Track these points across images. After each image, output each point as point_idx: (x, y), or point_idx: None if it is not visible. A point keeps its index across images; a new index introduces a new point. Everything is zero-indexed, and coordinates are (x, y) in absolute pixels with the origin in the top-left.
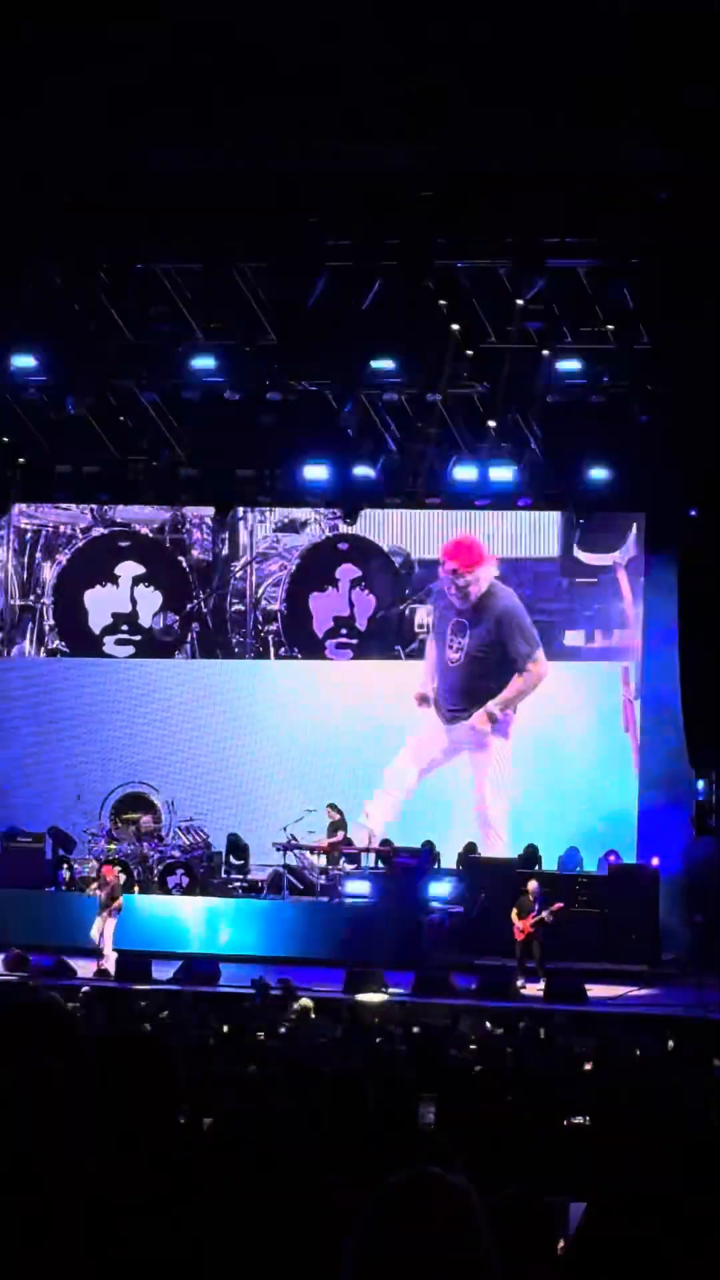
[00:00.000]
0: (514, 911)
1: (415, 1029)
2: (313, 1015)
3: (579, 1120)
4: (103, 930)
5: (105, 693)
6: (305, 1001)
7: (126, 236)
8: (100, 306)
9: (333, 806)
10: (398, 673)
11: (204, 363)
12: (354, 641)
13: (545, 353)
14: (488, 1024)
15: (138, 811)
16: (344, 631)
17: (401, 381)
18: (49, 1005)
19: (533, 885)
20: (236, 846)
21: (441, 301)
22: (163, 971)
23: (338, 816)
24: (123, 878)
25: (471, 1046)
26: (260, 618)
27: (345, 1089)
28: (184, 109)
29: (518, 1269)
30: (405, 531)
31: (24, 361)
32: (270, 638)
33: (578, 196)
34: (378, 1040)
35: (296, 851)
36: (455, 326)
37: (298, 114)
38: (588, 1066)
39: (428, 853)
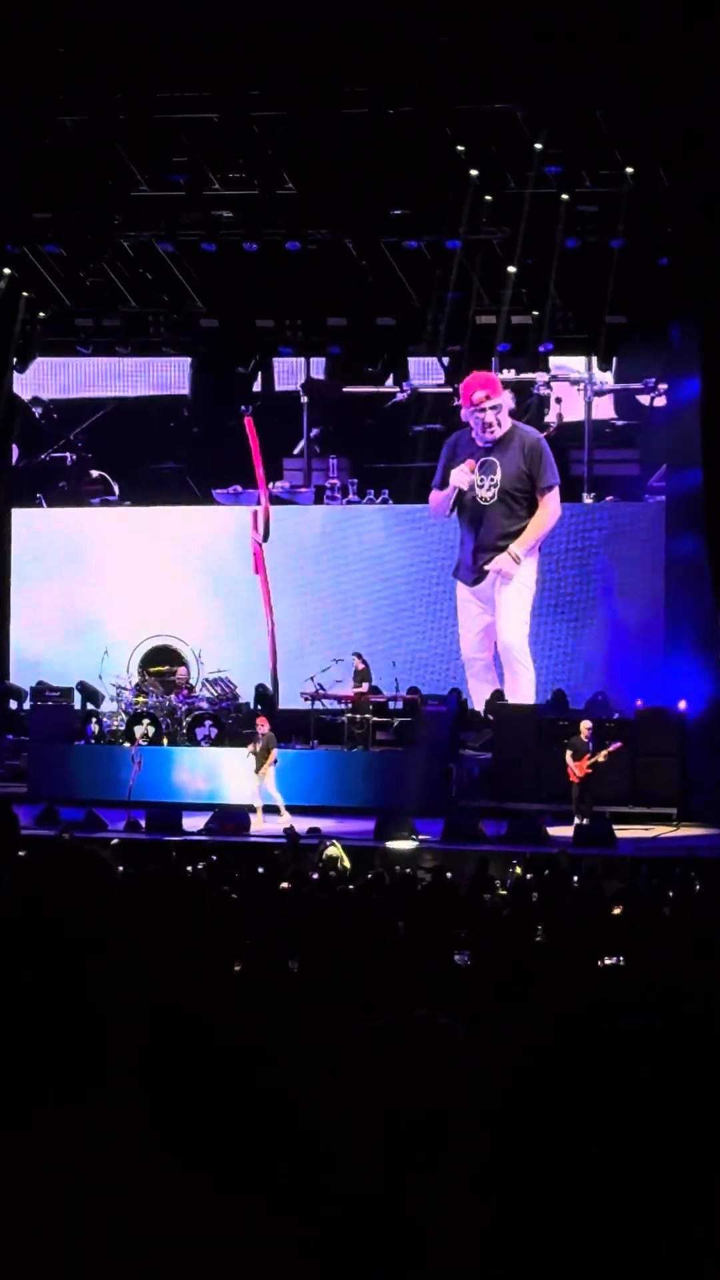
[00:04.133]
0: (568, 754)
1: (445, 875)
2: (343, 863)
3: (611, 961)
4: (263, 786)
5: (118, 546)
6: (335, 849)
7: (143, 87)
8: (118, 158)
9: (358, 655)
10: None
11: (222, 213)
12: None
13: (564, 197)
14: (517, 868)
15: (166, 664)
16: None
17: (420, 229)
18: (88, 854)
19: (585, 726)
20: (264, 697)
21: (460, 147)
22: (193, 823)
23: (363, 666)
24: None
25: (501, 891)
26: None
27: (375, 930)
28: None
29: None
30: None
31: (42, 215)
32: None
33: (590, 36)
34: (407, 886)
35: (323, 701)
36: (474, 172)
37: None
38: (617, 911)
39: (455, 700)
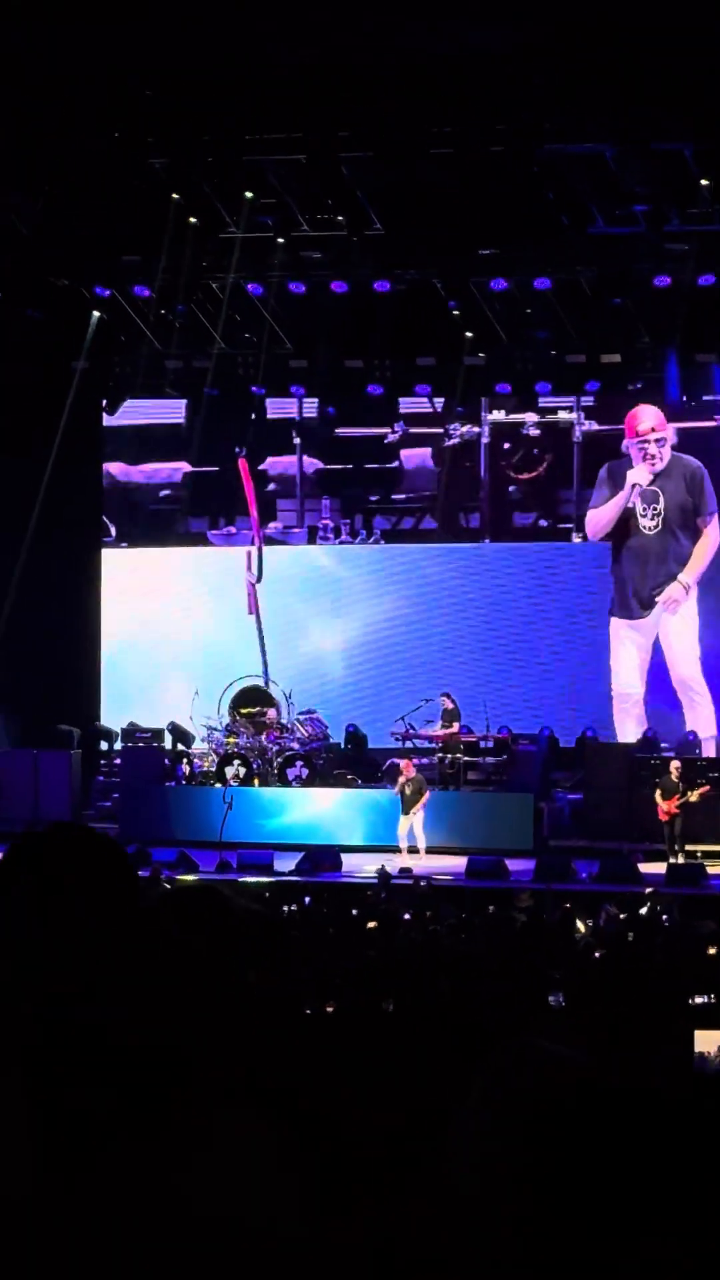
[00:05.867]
0: (657, 793)
1: (541, 915)
2: (434, 903)
3: (702, 1000)
4: (411, 826)
5: (209, 584)
6: (426, 890)
7: (231, 128)
8: (206, 200)
9: (448, 695)
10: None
11: (311, 254)
12: None
13: (652, 235)
14: (610, 908)
15: (256, 705)
16: None
17: (509, 269)
18: (210, 889)
19: (675, 765)
20: (355, 737)
21: (547, 188)
22: (285, 864)
23: (452, 705)
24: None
25: (594, 932)
26: None
27: (465, 970)
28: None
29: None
30: None
31: (131, 258)
32: None
33: (676, 74)
34: (499, 926)
35: (414, 741)
36: (561, 213)
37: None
38: (711, 951)
39: (547, 739)
